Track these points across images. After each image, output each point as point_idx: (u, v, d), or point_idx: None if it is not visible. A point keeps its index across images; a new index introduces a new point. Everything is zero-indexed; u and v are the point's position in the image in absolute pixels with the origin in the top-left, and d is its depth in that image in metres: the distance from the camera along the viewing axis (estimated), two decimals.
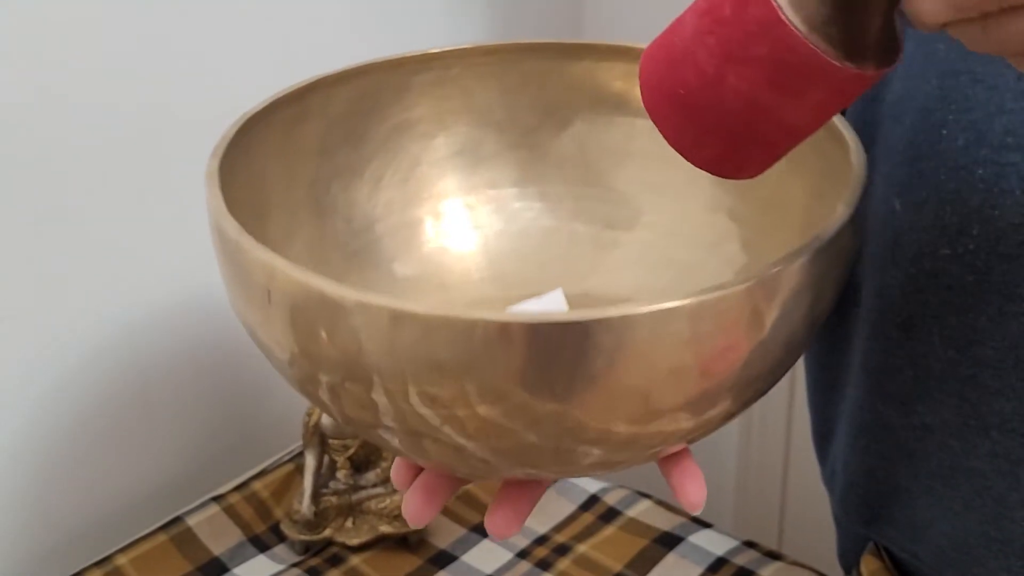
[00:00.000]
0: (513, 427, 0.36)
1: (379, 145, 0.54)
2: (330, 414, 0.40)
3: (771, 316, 0.37)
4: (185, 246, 0.82)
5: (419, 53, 0.54)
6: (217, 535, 0.79)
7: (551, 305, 0.53)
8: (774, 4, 0.32)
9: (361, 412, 0.38)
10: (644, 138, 0.56)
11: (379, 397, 0.37)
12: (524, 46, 0.55)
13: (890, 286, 0.50)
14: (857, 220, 0.41)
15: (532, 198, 0.57)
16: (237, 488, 0.82)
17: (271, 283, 0.37)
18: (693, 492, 0.43)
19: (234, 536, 0.79)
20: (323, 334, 0.36)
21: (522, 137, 0.57)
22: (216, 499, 0.81)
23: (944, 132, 0.46)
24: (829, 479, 0.61)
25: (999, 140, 0.44)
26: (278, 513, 0.81)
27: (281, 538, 0.80)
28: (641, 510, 0.82)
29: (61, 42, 0.71)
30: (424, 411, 0.37)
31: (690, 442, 0.42)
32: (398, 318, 0.34)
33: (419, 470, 0.45)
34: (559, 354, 0.34)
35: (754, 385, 0.39)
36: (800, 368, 1.15)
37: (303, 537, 0.78)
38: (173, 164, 0.80)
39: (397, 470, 0.45)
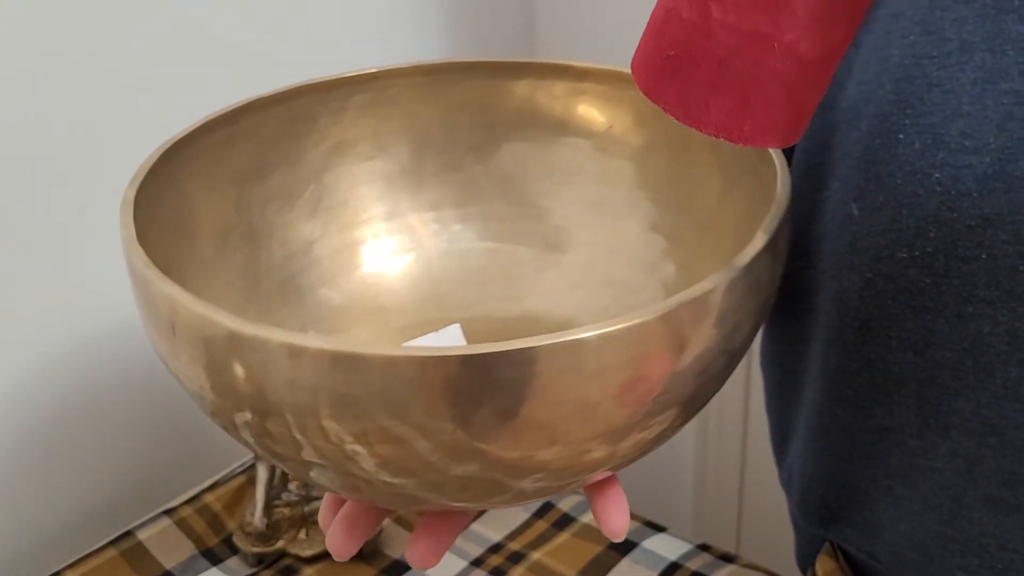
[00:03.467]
0: (428, 461, 0.36)
1: (317, 167, 0.54)
2: (244, 444, 0.40)
3: (683, 347, 0.36)
4: None
5: (356, 73, 0.53)
6: (169, 549, 0.79)
7: (449, 341, 0.52)
8: None
9: (269, 443, 0.38)
10: (585, 157, 0.55)
11: (284, 430, 0.36)
12: (463, 65, 0.54)
13: (847, 290, 0.50)
14: (776, 248, 0.40)
15: (473, 219, 0.56)
16: (189, 501, 0.82)
17: (175, 317, 0.37)
18: (616, 521, 0.42)
19: (186, 550, 0.79)
20: (226, 368, 0.36)
21: (463, 157, 0.56)
22: (167, 512, 0.80)
23: (901, 136, 0.46)
24: (786, 481, 0.61)
25: (956, 143, 0.44)
26: (231, 525, 0.81)
27: (234, 551, 0.79)
28: None
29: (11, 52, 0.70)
30: (325, 444, 0.36)
31: (612, 470, 0.41)
32: (296, 353, 0.34)
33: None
34: (459, 389, 0.34)
35: (669, 417, 0.38)
36: (756, 370, 1.16)
37: (256, 549, 0.78)
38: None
39: (323, 513, 0.45)
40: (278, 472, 0.79)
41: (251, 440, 0.39)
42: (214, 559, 0.78)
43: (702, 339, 0.37)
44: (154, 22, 0.78)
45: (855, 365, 0.50)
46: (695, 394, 0.39)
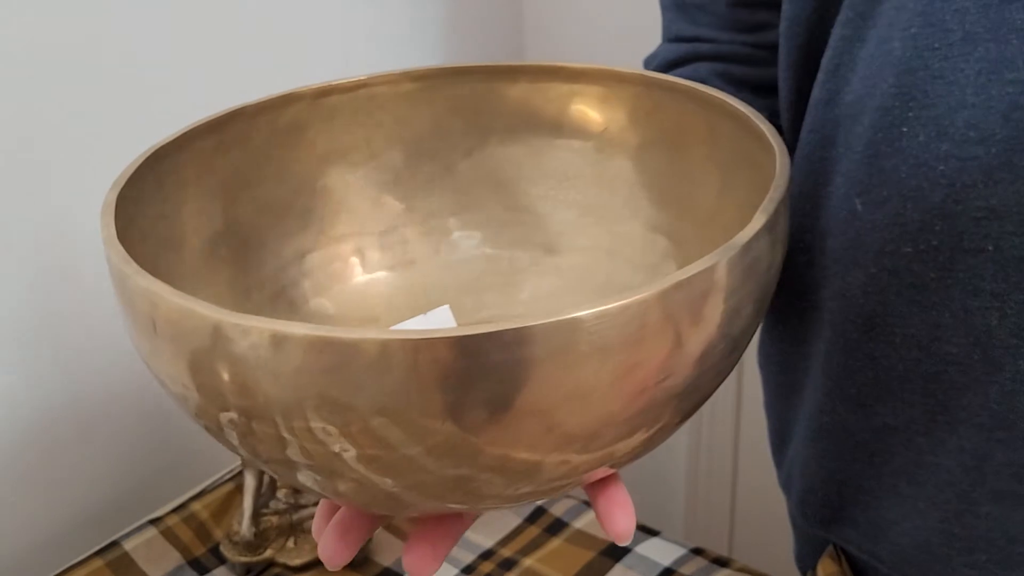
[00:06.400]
0: (417, 456, 0.34)
1: (308, 176, 0.52)
2: (228, 447, 0.38)
3: (683, 328, 0.35)
4: None
5: (345, 81, 0.52)
6: (155, 559, 0.78)
7: (438, 322, 0.50)
8: None
9: (253, 444, 0.36)
10: (581, 160, 0.54)
11: (269, 428, 0.35)
12: (453, 70, 0.53)
13: (851, 287, 0.49)
14: (775, 229, 0.39)
15: (469, 225, 0.55)
16: (175, 510, 0.81)
17: (155, 312, 0.35)
18: (621, 522, 0.41)
19: (172, 560, 0.78)
20: (210, 364, 0.34)
21: (457, 163, 0.55)
22: (154, 522, 0.80)
23: (904, 130, 0.46)
24: (786, 482, 0.61)
25: (961, 134, 0.44)
26: (218, 535, 0.80)
27: (221, 560, 0.78)
28: (587, 521, 0.81)
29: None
30: (311, 441, 0.35)
31: (615, 467, 0.40)
32: (279, 340, 0.32)
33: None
34: (448, 374, 0.32)
35: (669, 409, 0.37)
36: (749, 372, 1.15)
37: (243, 559, 0.77)
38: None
39: (316, 522, 0.44)
40: (266, 480, 0.78)
41: (236, 442, 0.37)
42: (201, 569, 0.77)
43: (702, 320, 0.35)
44: (154, 23, 0.77)
45: (859, 363, 0.50)
46: (695, 383, 0.37)
